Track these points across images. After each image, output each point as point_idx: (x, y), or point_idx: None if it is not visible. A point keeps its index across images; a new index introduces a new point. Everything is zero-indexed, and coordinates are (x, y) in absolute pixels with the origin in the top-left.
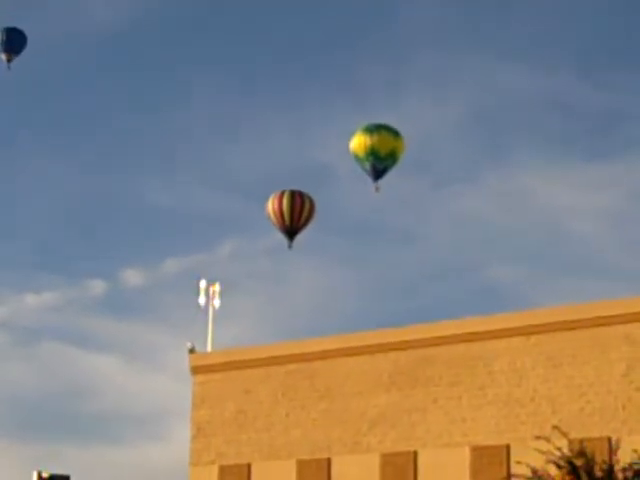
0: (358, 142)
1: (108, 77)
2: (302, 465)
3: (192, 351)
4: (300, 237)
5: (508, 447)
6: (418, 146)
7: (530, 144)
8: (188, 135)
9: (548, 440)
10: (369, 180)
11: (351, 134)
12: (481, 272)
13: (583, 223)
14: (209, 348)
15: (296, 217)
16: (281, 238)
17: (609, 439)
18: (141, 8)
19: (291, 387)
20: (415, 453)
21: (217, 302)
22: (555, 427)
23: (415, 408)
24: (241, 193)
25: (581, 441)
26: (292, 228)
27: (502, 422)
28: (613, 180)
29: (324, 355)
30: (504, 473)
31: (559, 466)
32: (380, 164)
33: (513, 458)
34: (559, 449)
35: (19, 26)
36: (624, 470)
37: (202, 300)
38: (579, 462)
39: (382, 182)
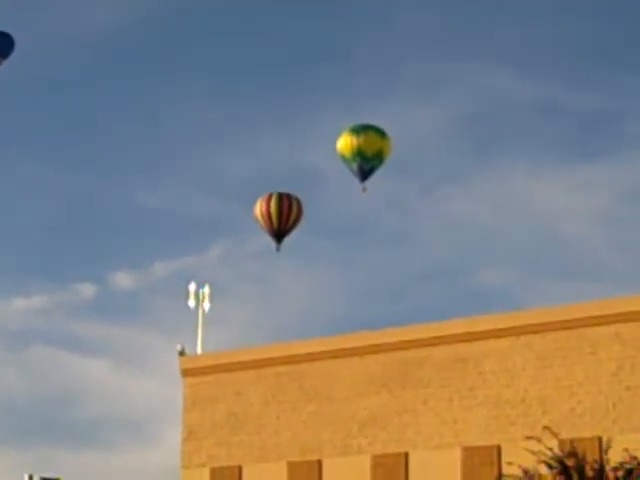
0: (345, 143)
1: (99, 80)
2: (293, 467)
3: (182, 354)
4: (288, 239)
5: (499, 448)
6: (407, 148)
7: (519, 146)
8: (178, 138)
9: (539, 440)
10: (357, 182)
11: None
12: (471, 274)
13: (573, 224)
14: (199, 351)
15: (284, 220)
16: (270, 241)
17: (600, 439)
18: (135, 13)
19: (281, 389)
20: (406, 454)
21: (207, 305)
22: (546, 427)
23: (406, 409)
24: (230, 196)
25: (572, 441)
26: (280, 231)
27: (493, 423)
28: (603, 181)
29: (314, 357)
30: (495, 474)
31: (550, 466)
32: (367, 164)
33: (504, 459)
34: (550, 449)
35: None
36: (615, 469)
37: (192, 303)
38: (570, 462)
39: (371, 184)
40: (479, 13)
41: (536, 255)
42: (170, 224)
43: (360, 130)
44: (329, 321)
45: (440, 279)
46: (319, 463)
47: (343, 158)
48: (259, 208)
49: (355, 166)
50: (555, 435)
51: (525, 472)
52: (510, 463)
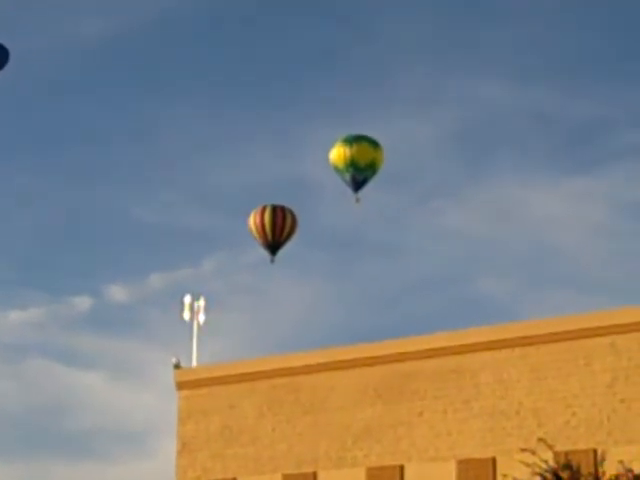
0: (337, 153)
1: (92, 92)
2: (288, 479)
3: (177, 366)
4: (283, 251)
5: (494, 460)
6: (401, 160)
7: (514, 157)
8: (172, 151)
9: (534, 452)
10: (351, 193)
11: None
12: (465, 286)
13: (567, 236)
14: (194, 363)
15: (278, 232)
16: (264, 253)
17: (595, 451)
18: (132, 23)
19: (276, 401)
20: (401, 467)
21: (202, 317)
22: (541, 439)
23: (401, 422)
24: (225, 208)
25: (567, 453)
26: (274, 243)
27: (488, 435)
28: (597, 192)
29: (309, 369)
30: None
31: (545, 478)
32: (360, 175)
33: (499, 471)
34: (545, 461)
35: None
36: None
37: (187, 315)
38: (565, 474)
39: (366, 196)
40: (474, 24)
41: (530, 267)
42: (165, 237)
43: (353, 140)
44: (324, 332)
45: (434, 291)
46: (314, 475)
47: (336, 169)
48: (253, 221)
49: (348, 176)
50: (550, 447)
51: None
52: (505, 475)
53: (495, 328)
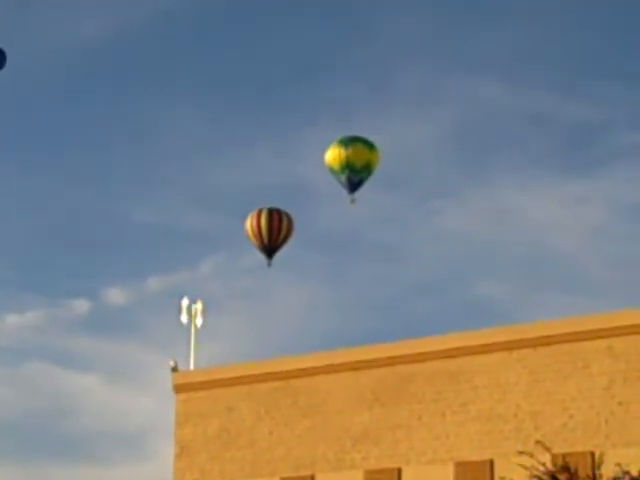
0: (333, 155)
1: (92, 92)
2: None
3: (175, 369)
4: (280, 254)
5: (492, 462)
6: (400, 160)
7: (512, 159)
8: (171, 153)
9: (531, 455)
10: (348, 196)
11: None
12: (463, 288)
13: (566, 238)
14: (192, 366)
15: (274, 235)
16: (262, 256)
17: (592, 453)
18: (131, 26)
19: (274, 405)
20: (399, 470)
21: (199, 320)
22: (538, 442)
23: (399, 425)
24: (223, 211)
25: (564, 456)
26: (271, 246)
27: (485, 438)
28: (597, 194)
29: (307, 372)
30: None
31: None
32: (356, 176)
33: (497, 473)
34: (542, 464)
35: None
36: None
37: (184, 318)
38: (562, 477)
39: (363, 197)
40: (474, 26)
41: (528, 269)
42: (163, 239)
43: (348, 142)
44: (322, 335)
45: (432, 293)
46: (312, 478)
47: (332, 170)
48: (249, 224)
49: (344, 178)
50: (547, 450)
51: None
52: (503, 478)
53: (493, 331)
